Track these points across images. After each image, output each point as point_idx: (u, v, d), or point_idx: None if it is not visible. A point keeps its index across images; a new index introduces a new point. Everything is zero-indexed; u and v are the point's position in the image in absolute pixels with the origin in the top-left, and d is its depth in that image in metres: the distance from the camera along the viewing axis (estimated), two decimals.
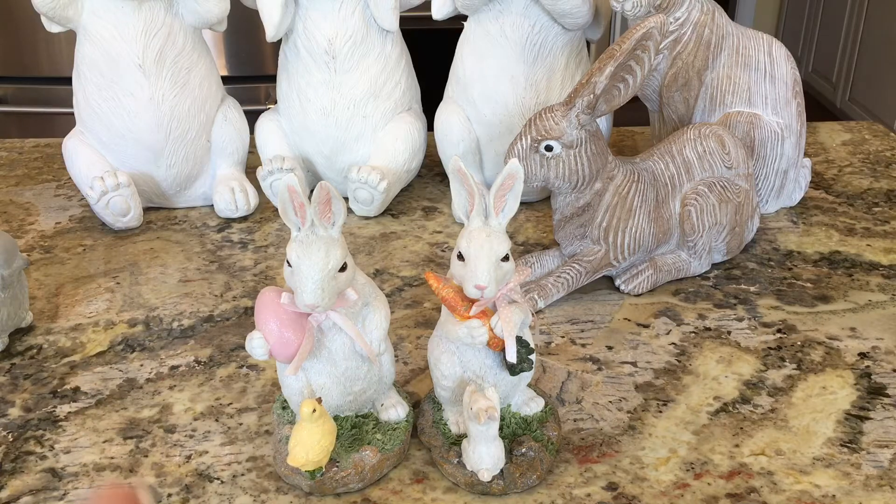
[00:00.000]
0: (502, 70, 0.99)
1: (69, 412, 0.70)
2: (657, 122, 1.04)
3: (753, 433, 0.67)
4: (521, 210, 1.05)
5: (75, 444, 0.67)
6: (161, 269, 0.93)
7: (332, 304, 0.58)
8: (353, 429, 0.64)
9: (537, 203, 1.07)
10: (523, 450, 0.62)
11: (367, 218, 1.04)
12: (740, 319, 0.82)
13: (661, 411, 0.70)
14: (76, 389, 0.73)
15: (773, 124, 0.97)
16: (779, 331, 0.81)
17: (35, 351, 0.78)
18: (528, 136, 0.79)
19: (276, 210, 1.04)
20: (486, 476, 0.59)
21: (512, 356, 0.60)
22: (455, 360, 0.62)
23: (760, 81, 0.97)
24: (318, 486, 0.61)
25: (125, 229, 1.01)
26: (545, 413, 0.66)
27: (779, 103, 0.98)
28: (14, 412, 0.70)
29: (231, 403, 0.71)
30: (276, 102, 1.10)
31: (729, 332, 0.80)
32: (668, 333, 0.80)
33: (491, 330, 0.60)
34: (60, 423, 0.69)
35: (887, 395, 0.72)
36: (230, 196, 1.03)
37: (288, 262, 0.58)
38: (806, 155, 1.17)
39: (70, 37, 0.99)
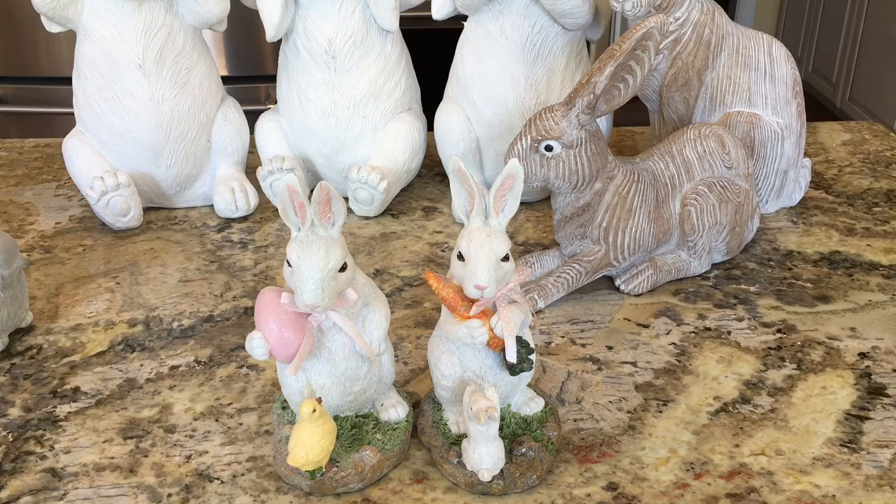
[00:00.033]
0: (502, 70, 0.99)
1: (69, 412, 0.70)
2: (657, 122, 1.04)
3: (753, 433, 0.67)
4: (521, 210, 1.05)
5: (75, 444, 0.67)
6: (161, 269, 0.93)
7: (332, 304, 0.58)
8: (353, 429, 0.64)
9: (537, 203, 1.07)
10: (523, 450, 0.62)
11: (367, 218, 1.04)
12: (740, 319, 0.82)
13: (661, 411, 0.70)
14: (76, 389, 0.73)
15: (773, 124, 0.97)
16: (779, 331, 0.81)
17: (35, 351, 0.78)
18: (528, 136, 0.79)
19: (276, 210, 1.04)
20: (486, 476, 0.59)
21: (512, 356, 0.60)
22: (455, 360, 0.62)
23: (760, 81, 0.97)
24: (318, 486, 0.61)
25: (125, 229, 1.01)
26: (545, 413, 0.66)
27: (779, 103, 0.98)
28: (14, 412, 0.70)
29: (231, 403, 0.71)
30: (276, 102, 1.10)
31: (729, 332, 0.80)
32: (668, 333, 0.80)
33: (491, 330, 0.60)
34: (60, 423, 0.69)
35: (887, 395, 0.72)
36: (230, 196, 1.03)
37: (288, 262, 0.58)
38: (806, 155, 1.17)
39: (70, 37, 0.99)
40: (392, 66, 1.03)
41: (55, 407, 0.71)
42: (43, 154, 1.23)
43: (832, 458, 0.65)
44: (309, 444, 0.58)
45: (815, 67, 3.70)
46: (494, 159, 1.04)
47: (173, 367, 0.76)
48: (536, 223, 1.02)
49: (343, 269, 0.58)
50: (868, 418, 0.69)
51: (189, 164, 1.04)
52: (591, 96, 0.78)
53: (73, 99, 1.02)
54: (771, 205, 1.02)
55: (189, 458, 0.65)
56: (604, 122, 1.04)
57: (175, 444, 0.66)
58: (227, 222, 1.04)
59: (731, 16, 1.79)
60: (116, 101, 0.98)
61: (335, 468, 0.61)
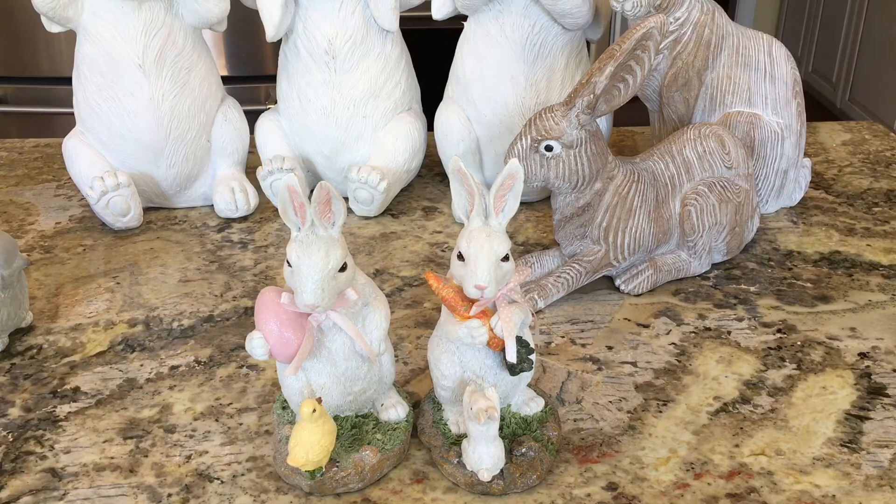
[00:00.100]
0: (502, 70, 0.99)
1: (69, 412, 0.70)
2: (657, 122, 1.04)
3: (753, 433, 0.67)
4: (521, 210, 1.05)
5: (75, 444, 0.67)
6: (161, 269, 0.93)
7: (332, 304, 0.58)
8: (353, 429, 0.64)
9: (537, 203, 1.07)
10: (523, 450, 0.62)
11: (367, 218, 1.04)
12: (740, 319, 0.82)
13: (661, 411, 0.70)
14: (76, 389, 0.73)
15: (773, 124, 0.97)
16: (779, 331, 0.81)
17: (35, 351, 0.78)
18: (528, 136, 0.79)
19: (276, 210, 1.04)
20: (486, 476, 0.59)
21: (512, 356, 0.60)
22: (455, 360, 0.62)
23: (760, 81, 0.97)
24: (318, 486, 0.61)
25: (125, 229, 1.01)
26: (545, 413, 0.66)
27: (779, 103, 0.98)
28: (14, 412, 0.70)
29: (231, 403, 0.71)
30: (276, 102, 1.10)
31: (729, 332, 0.80)
32: (668, 333, 0.80)
33: (491, 330, 0.60)
34: (60, 423, 0.69)
35: (887, 395, 0.72)
36: (230, 196, 1.03)
37: (288, 262, 0.58)
38: (806, 155, 1.17)
39: (70, 37, 0.99)
40: (392, 66, 1.03)
41: (55, 407, 0.71)
42: (43, 154, 1.23)
43: (832, 458, 0.65)
44: (309, 444, 0.58)
45: (815, 67, 3.70)
46: (494, 159, 1.04)
47: (173, 367, 0.76)
48: (536, 223, 1.02)
49: (343, 269, 0.58)
50: (868, 418, 0.69)
51: (189, 164, 1.04)
52: (591, 96, 0.78)
53: (73, 99, 1.02)
54: (771, 205, 1.02)
55: (189, 458, 0.65)
56: (604, 122, 1.04)
57: (175, 444, 0.66)
58: (227, 222, 1.04)
59: (731, 16, 1.79)
60: (116, 101, 0.98)
61: (335, 468, 0.61)
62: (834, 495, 0.61)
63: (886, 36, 3.08)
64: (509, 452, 0.62)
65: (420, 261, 0.94)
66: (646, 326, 0.81)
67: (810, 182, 1.08)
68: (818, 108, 3.55)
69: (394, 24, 1.00)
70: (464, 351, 0.62)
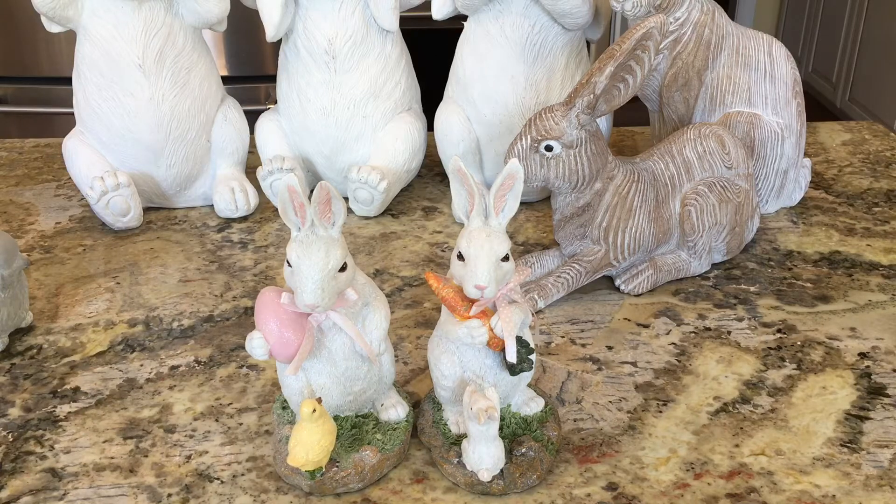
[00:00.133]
0: (502, 70, 0.99)
1: (69, 412, 0.70)
2: (657, 122, 1.04)
3: (753, 433, 0.67)
4: (521, 210, 1.05)
5: (75, 444, 0.67)
6: (161, 269, 0.93)
7: (332, 304, 0.58)
8: (353, 429, 0.64)
9: (537, 203, 1.07)
10: (523, 450, 0.62)
11: (367, 218, 1.04)
12: (740, 319, 0.82)
13: (661, 411, 0.70)
14: (76, 389, 0.73)
15: (773, 124, 0.97)
16: (779, 331, 0.81)
17: (35, 351, 0.78)
18: (528, 136, 0.79)
19: (276, 210, 1.04)
20: (486, 476, 0.59)
21: (512, 356, 0.60)
22: (455, 360, 0.62)
23: (760, 81, 0.97)
24: (318, 486, 0.61)
25: (125, 229, 1.01)
26: (545, 413, 0.66)
27: (779, 103, 0.98)
28: (14, 412, 0.70)
29: (231, 403, 0.71)
30: (276, 102, 1.10)
31: (729, 332, 0.80)
32: (668, 333, 0.80)
33: (491, 330, 0.60)
34: (60, 423, 0.69)
35: (887, 395, 0.72)
36: (230, 196, 1.03)
37: (288, 262, 0.58)
38: (806, 155, 1.17)
39: (70, 37, 0.99)
40: (392, 66, 1.03)
41: (55, 407, 0.71)
42: (43, 154, 1.23)
43: (832, 458, 0.65)
44: (309, 444, 0.58)
45: (815, 67, 3.70)
46: (494, 159, 1.04)
47: (173, 367, 0.76)
48: (536, 223, 1.02)
49: (343, 269, 0.58)
50: (868, 418, 0.69)
51: (189, 164, 1.04)
52: (591, 96, 0.78)
53: (73, 99, 1.02)
54: (771, 205, 1.02)
55: (189, 458, 0.65)
56: (604, 122, 1.04)
57: (175, 444, 0.66)
58: (227, 222, 1.04)
59: (731, 16, 1.79)
60: (116, 101, 0.98)
61: (335, 468, 0.61)
62: (834, 495, 0.61)
63: (886, 36, 3.08)
64: (509, 452, 0.62)
65: (420, 261, 0.94)
66: (646, 326, 0.81)
67: (810, 182, 1.08)
68: (818, 108, 3.55)
69: (394, 24, 1.00)
70: (464, 351, 0.62)
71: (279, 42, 1.04)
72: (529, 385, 0.67)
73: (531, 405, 0.66)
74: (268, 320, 0.59)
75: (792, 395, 0.72)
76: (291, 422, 0.65)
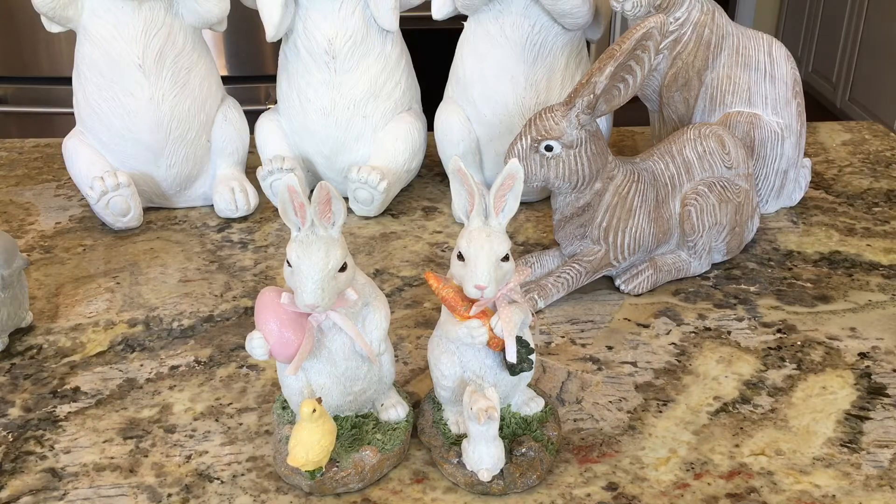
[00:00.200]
0: (502, 70, 0.99)
1: (69, 412, 0.70)
2: (657, 122, 1.04)
3: (753, 433, 0.67)
4: (521, 210, 1.05)
5: (75, 444, 0.67)
6: (161, 269, 0.93)
7: (332, 304, 0.58)
8: (353, 429, 0.64)
9: (537, 203, 1.07)
10: (523, 450, 0.62)
11: (367, 218, 1.04)
12: (740, 319, 0.82)
13: (661, 411, 0.70)
14: (76, 389, 0.73)
15: (773, 124, 0.97)
16: (779, 331, 0.81)
17: (35, 351, 0.78)
18: (528, 136, 0.79)
19: (276, 210, 1.04)
20: (486, 476, 0.59)
21: (512, 356, 0.60)
22: (455, 360, 0.62)
23: (760, 81, 0.97)
24: (318, 486, 0.61)
25: (125, 229, 1.01)
26: (545, 413, 0.66)
27: (779, 103, 0.98)
28: (14, 412, 0.70)
29: (231, 403, 0.71)
30: (276, 102, 1.10)
31: (729, 332, 0.80)
32: (668, 333, 0.80)
33: (491, 330, 0.60)
34: (60, 423, 0.69)
35: (887, 395, 0.72)
36: (230, 196, 1.03)
37: (288, 262, 0.58)
38: (806, 155, 1.17)
39: (70, 37, 0.99)
40: (392, 66, 1.03)
41: (55, 407, 0.71)
42: (43, 154, 1.23)
43: (832, 458, 0.65)
44: (309, 444, 0.58)
45: (815, 67, 3.70)
46: (494, 159, 1.04)
47: (173, 367, 0.76)
48: (536, 223, 1.02)
49: (343, 269, 0.58)
50: (868, 418, 0.69)
51: (189, 164, 1.04)
52: (591, 96, 0.78)
53: (73, 99, 1.02)
54: (771, 205, 1.02)
55: (189, 458, 0.65)
56: (604, 122, 1.04)
57: (175, 444, 0.66)
58: (227, 222, 1.04)
59: (731, 16, 1.79)
60: (116, 101, 0.98)
61: (335, 468, 0.61)
62: (834, 495, 0.61)
63: (886, 36, 3.08)
64: (509, 452, 0.62)
65: (420, 261, 0.94)
66: (646, 326, 0.81)
67: (810, 182, 1.08)
68: (818, 108, 3.55)
69: (394, 24, 1.00)
70: (464, 351, 0.62)
71: (279, 42, 1.04)
72: (529, 385, 0.67)
73: (531, 405, 0.66)
74: (268, 320, 0.59)
75: (792, 395, 0.72)
76: (291, 422, 0.65)
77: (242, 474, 0.63)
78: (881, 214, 1.03)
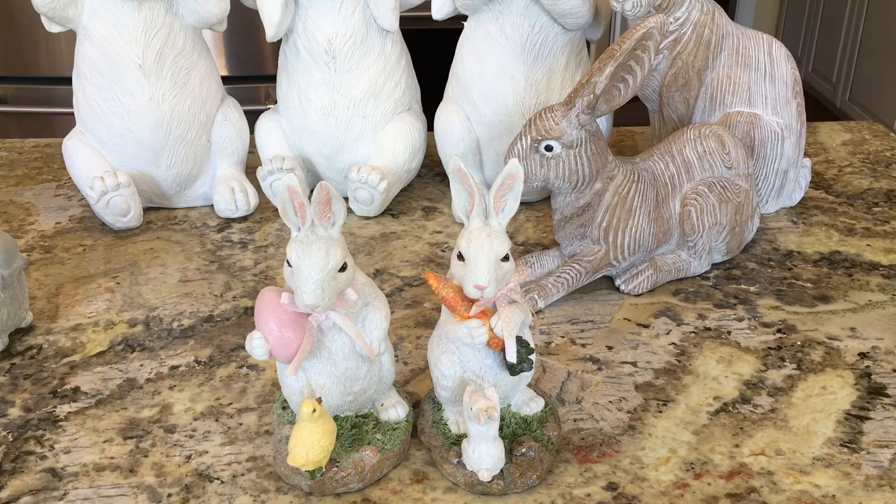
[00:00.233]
0: (502, 70, 0.99)
1: (69, 412, 0.70)
2: (657, 122, 1.04)
3: (753, 433, 0.67)
4: (521, 210, 1.05)
5: (75, 444, 0.67)
6: (161, 269, 0.93)
7: (332, 304, 0.58)
8: (353, 429, 0.64)
9: (537, 203, 1.07)
10: (523, 450, 0.62)
11: (367, 218, 1.04)
12: (740, 319, 0.82)
13: (661, 411, 0.70)
14: (76, 389, 0.73)
15: (773, 124, 0.97)
16: (779, 331, 0.81)
17: (35, 351, 0.78)
18: (528, 136, 0.79)
19: (276, 210, 1.04)
20: (486, 476, 0.59)
21: (512, 356, 0.60)
22: (455, 360, 0.62)
23: (760, 81, 0.97)
24: (318, 486, 0.61)
25: (125, 229, 1.01)
26: (545, 413, 0.66)
27: (779, 103, 0.98)
28: (14, 412, 0.70)
29: (231, 403, 0.71)
30: (276, 102, 1.10)
31: (729, 332, 0.80)
32: (668, 333, 0.80)
33: (491, 330, 0.60)
34: (60, 423, 0.69)
35: (887, 395, 0.72)
36: (230, 196, 1.03)
37: (288, 262, 0.58)
38: (806, 155, 1.17)
39: (70, 37, 0.99)
40: (392, 66, 1.03)
41: (55, 407, 0.71)
42: (43, 154, 1.23)
43: (832, 458, 0.65)
44: (309, 444, 0.58)
45: (815, 67, 3.70)
46: (494, 159, 1.04)
47: (173, 367, 0.76)
48: (536, 223, 1.02)
49: (343, 269, 0.58)
50: (868, 418, 0.69)
51: (189, 164, 1.04)
52: (591, 96, 0.78)
53: (73, 99, 1.02)
54: (771, 205, 1.02)
55: (189, 458, 0.65)
56: (604, 122, 1.04)
57: (175, 444, 0.66)
58: (227, 222, 1.04)
59: (731, 16, 1.79)
60: (116, 101, 0.98)
61: (335, 468, 0.61)
62: (834, 495, 0.61)
63: (886, 36, 3.08)
64: (509, 452, 0.62)
65: (420, 261, 0.94)
66: (646, 326, 0.81)
67: (810, 182, 1.08)
68: (818, 108, 3.55)
69: (394, 24, 1.00)
70: (464, 351, 0.62)
71: (279, 42, 1.04)
72: (529, 385, 0.67)
73: (531, 405, 0.66)
74: (268, 320, 0.59)
75: (792, 395, 0.72)
76: (291, 422, 0.64)
77: (242, 474, 0.63)
78: (881, 214, 1.03)
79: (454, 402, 0.64)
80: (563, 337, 0.80)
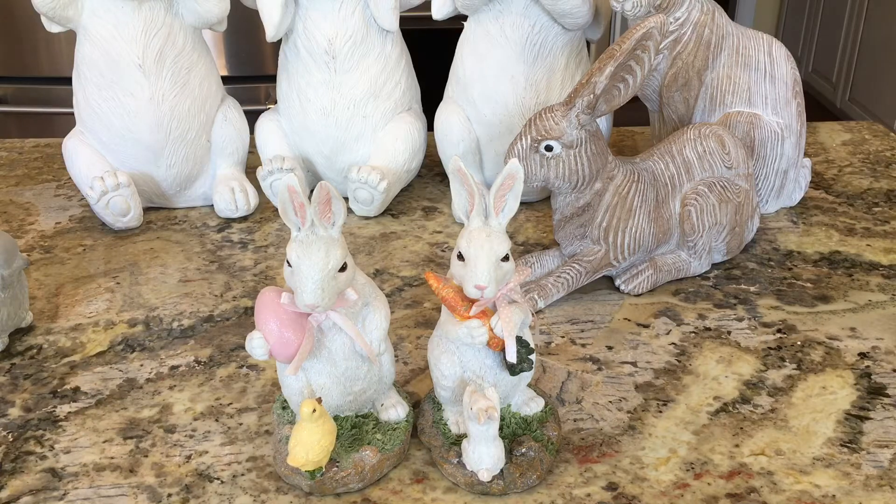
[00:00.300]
0: (502, 70, 0.99)
1: (69, 412, 0.70)
2: (657, 122, 1.04)
3: (753, 433, 0.67)
4: (521, 210, 1.05)
5: (75, 444, 0.67)
6: (161, 269, 0.93)
7: (332, 304, 0.58)
8: (353, 429, 0.64)
9: (537, 203, 1.07)
10: (523, 450, 0.62)
11: (367, 218, 1.04)
12: (740, 319, 0.82)
13: (661, 411, 0.70)
14: (76, 389, 0.73)
15: (773, 124, 0.97)
16: (779, 331, 0.81)
17: (35, 351, 0.78)
18: (528, 136, 0.79)
19: (276, 210, 1.04)
20: (485, 476, 0.59)
21: (512, 356, 0.60)
22: (455, 360, 0.62)
23: (760, 81, 0.97)
24: (318, 486, 0.61)
25: (125, 229, 1.01)
26: (545, 413, 0.66)
27: (779, 103, 0.98)
28: (14, 412, 0.70)
29: (231, 403, 0.71)
30: (276, 102, 1.10)
31: (729, 332, 0.80)
32: (668, 333, 0.80)
33: (491, 330, 0.60)
34: (60, 423, 0.69)
35: (887, 395, 0.72)
36: (230, 196, 1.03)
37: (288, 262, 0.58)
38: (806, 155, 1.17)
39: (70, 37, 0.99)
40: (392, 66, 1.03)
41: (55, 407, 0.71)
42: (43, 154, 1.23)
43: (832, 458, 0.65)
44: (309, 444, 0.58)
45: (815, 67, 3.70)
46: (494, 159, 1.04)
47: (173, 367, 0.76)
48: (536, 223, 1.02)
49: (343, 269, 0.58)
50: (868, 418, 0.69)
51: (189, 164, 1.04)
52: (591, 96, 0.78)
53: (73, 99, 1.02)
54: (771, 205, 1.02)
55: (189, 458, 0.65)
56: (604, 122, 1.04)
57: (175, 444, 0.66)
58: (227, 222, 1.04)
59: (731, 16, 1.79)
60: (116, 101, 0.98)
61: (335, 468, 0.61)
62: (834, 495, 0.61)
63: (886, 36, 3.08)
64: (509, 452, 0.62)
65: (420, 261, 0.94)
66: (646, 326, 0.81)
67: (810, 182, 1.08)
68: (818, 108, 3.55)
69: (394, 24, 1.00)
70: (464, 351, 0.62)
71: (279, 42, 1.04)
72: (529, 385, 0.67)
73: (531, 405, 0.66)
74: (268, 320, 0.59)
75: (792, 395, 0.72)
76: (291, 422, 0.65)
77: (242, 474, 0.63)
78: (881, 214, 1.03)
79: (454, 402, 0.64)
80: (563, 337, 0.80)
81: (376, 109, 1.03)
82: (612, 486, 0.62)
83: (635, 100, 0.88)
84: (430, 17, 1.01)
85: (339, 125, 1.02)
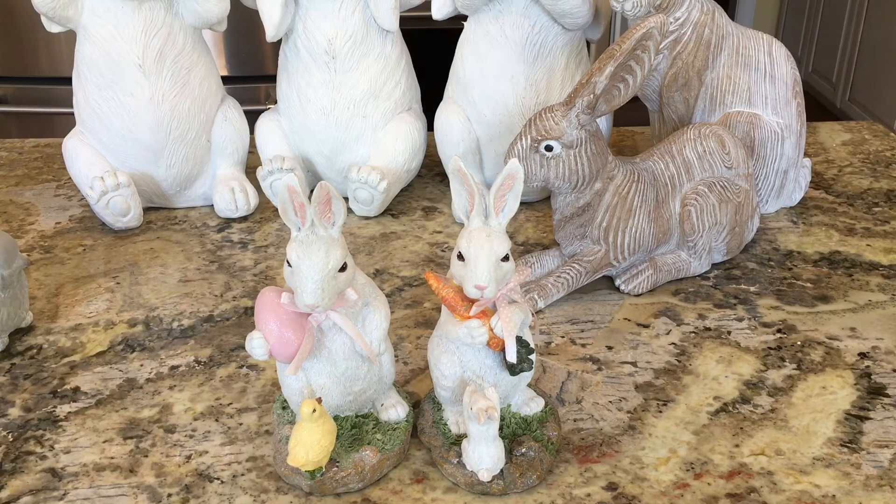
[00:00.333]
0: (502, 70, 0.99)
1: (69, 412, 0.70)
2: (657, 122, 1.04)
3: (753, 433, 0.67)
4: (521, 210, 1.05)
5: (75, 444, 0.67)
6: (161, 269, 0.93)
7: (332, 304, 0.58)
8: (353, 429, 0.64)
9: (537, 203, 1.07)
10: (523, 450, 0.62)
11: (367, 218, 1.04)
12: (740, 319, 0.82)
13: (661, 411, 0.70)
14: (76, 389, 0.73)
15: (773, 124, 0.97)
16: (779, 331, 0.81)
17: (35, 351, 0.78)
18: (528, 136, 0.79)
19: (276, 210, 1.04)
20: (485, 476, 0.59)
21: (512, 356, 0.60)
22: (455, 360, 0.62)
23: (760, 81, 0.97)
24: (318, 486, 0.61)
25: (125, 229, 1.01)
26: (545, 413, 0.66)
27: (779, 103, 0.98)
28: (14, 412, 0.70)
29: (231, 403, 0.71)
30: (276, 102, 1.10)
31: (729, 332, 0.80)
32: (668, 333, 0.80)
33: (491, 330, 0.60)
34: (60, 423, 0.69)
35: (887, 395, 0.72)
36: (230, 196, 1.03)
37: (288, 262, 0.58)
38: (806, 155, 1.17)
39: (70, 37, 0.99)
40: (392, 66, 1.03)
41: (55, 407, 0.71)
42: (43, 154, 1.23)
43: (832, 458, 0.65)
44: (309, 444, 0.58)
45: (815, 67, 3.70)
46: (494, 159, 1.04)
47: (173, 367, 0.76)
48: (536, 223, 1.02)
49: (343, 269, 0.58)
50: (868, 418, 0.69)
51: (189, 164, 1.04)
52: (591, 96, 0.78)
53: (73, 99, 1.02)
54: (771, 205, 1.02)
55: (189, 458, 0.65)
56: (604, 122, 1.04)
57: (175, 444, 0.66)
58: (227, 222, 1.04)
59: (731, 16, 1.79)
60: (116, 101, 0.98)
61: (335, 468, 0.61)
62: (834, 495, 0.61)
63: (886, 36, 3.08)
64: (509, 452, 0.62)
65: (420, 261, 0.94)
66: (646, 326, 0.81)
67: (810, 182, 1.08)
68: (818, 108, 3.55)
69: (394, 24, 1.00)
70: (464, 351, 0.62)
71: (279, 42, 1.04)
72: (529, 385, 0.67)
73: (531, 405, 0.66)
74: (268, 320, 0.59)
75: (792, 395, 0.72)
76: (291, 422, 0.65)
77: (242, 474, 0.63)
78: (881, 214, 1.03)
79: (454, 402, 0.64)
80: (563, 337, 0.80)
81: (376, 109, 1.03)
82: (612, 486, 0.62)
83: (635, 100, 0.88)
84: (430, 17, 1.01)
85: (339, 125, 1.02)
